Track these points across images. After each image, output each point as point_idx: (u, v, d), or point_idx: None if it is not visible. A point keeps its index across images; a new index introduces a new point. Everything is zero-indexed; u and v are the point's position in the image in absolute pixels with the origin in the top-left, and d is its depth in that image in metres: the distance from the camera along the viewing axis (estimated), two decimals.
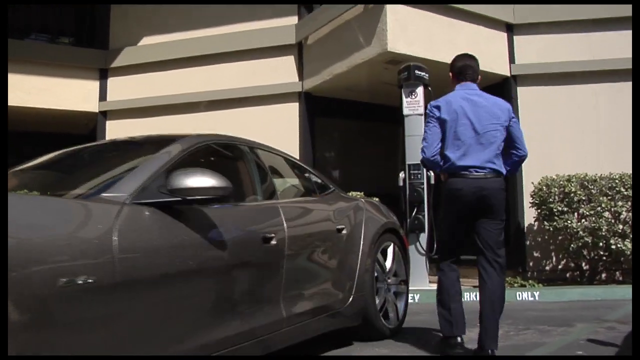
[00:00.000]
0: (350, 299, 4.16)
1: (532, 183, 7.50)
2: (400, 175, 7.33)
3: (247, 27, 9.23)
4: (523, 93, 8.26)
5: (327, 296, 3.97)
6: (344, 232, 4.26)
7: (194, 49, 9.42)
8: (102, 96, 9.97)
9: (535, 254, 7.97)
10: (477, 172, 3.86)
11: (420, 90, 7.20)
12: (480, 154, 3.87)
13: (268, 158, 4.20)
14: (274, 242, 3.35)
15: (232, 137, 3.85)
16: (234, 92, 9.15)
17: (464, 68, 4.27)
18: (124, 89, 9.89)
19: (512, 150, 4.07)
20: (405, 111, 7.23)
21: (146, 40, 9.92)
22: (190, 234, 2.71)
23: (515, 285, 7.11)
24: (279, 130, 8.90)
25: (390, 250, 4.80)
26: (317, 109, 9.02)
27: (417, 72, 7.16)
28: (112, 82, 10.03)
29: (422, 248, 7.03)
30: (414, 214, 7.09)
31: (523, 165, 7.89)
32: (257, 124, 8.93)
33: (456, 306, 3.91)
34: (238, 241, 3.11)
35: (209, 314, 2.83)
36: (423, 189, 7.10)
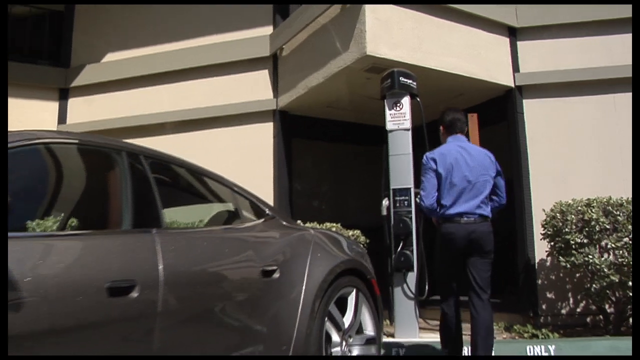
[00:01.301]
0: None
1: (544, 210, 6.10)
2: (384, 202, 5.99)
3: (217, 40, 8.04)
4: (530, 106, 6.93)
5: None
6: (276, 275, 2.95)
7: (160, 65, 8.23)
8: (62, 118, 8.76)
9: (549, 295, 6.53)
10: (467, 217, 4.20)
11: (406, 100, 5.89)
12: (471, 201, 4.22)
13: (165, 171, 2.90)
14: (135, 293, 2.05)
15: (91, 138, 2.56)
16: (203, 112, 7.91)
17: (454, 121, 4.56)
18: (86, 110, 8.67)
19: (494, 197, 4.48)
20: (389, 126, 5.91)
21: (110, 57, 8.75)
22: None
23: (526, 335, 5.69)
24: (251, 153, 7.67)
25: (351, 299, 3.47)
26: (294, 129, 7.74)
27: (402, 79, 5.86)
28: (72, 102, 8.83)
29: (411, 290, 5.64)
30: (399, 249, 5.71)
31: (532, 189, 6.69)
32: (228, 147, 7.72)
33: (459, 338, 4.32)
34: (62, 292, 1.82)
35: None
36: (411, 218, 5.72)
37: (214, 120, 7.85)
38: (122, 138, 8.00)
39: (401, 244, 5.70)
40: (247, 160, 7.64)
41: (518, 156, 6.81)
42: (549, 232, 6.00)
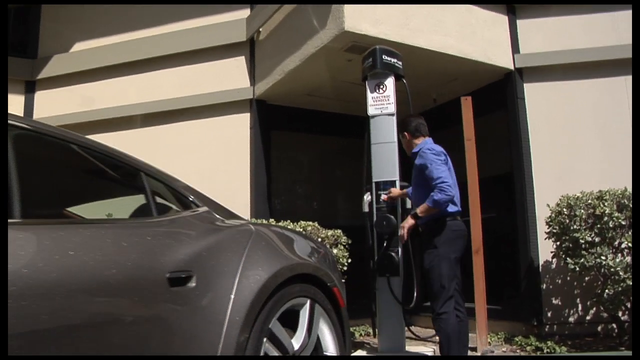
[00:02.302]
0: None
1: (548, 206, 5.28)
2: (365, 197, 5.18)
3: (190, 25, 7.25)
4: (531, 91, 6.11)
5: None
6: (191, 283, 2.15)
7: (129, 54, 7.45)
8: (28, 112, 7.95)
9: (555, 302, 5.69)
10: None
11: (390, 82, 5.09)
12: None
13: (39, 147, 2.12)
14: None
15: None
16: (175, 103, 7.11)
17: (419, 126, 4.43)
18: (53, 103, 7.89)
19: None
20: (371, 110, 5.11)
21: (79, 46, 7.97)
22: None
23: (528, 348, 4.88)
24: (226, 146, 6.89)
25: (304, 313, 2.67)
26: (272, 120, 6.94)
27: (385, 57, 5.06)
28: (39, 96, 8.05)
29: (396, 297, 4.83)
30: (382, 250, 4.90)
31: (534, 183, 5.87)
32: (201, 140, 6.95)
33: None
34: None
35: None
36: (397, 215, 4.92)
37: (186, 111, 7.06)
38: (90, 133, 7.36)
39: (385, 244, 4.90)
40: (221, 154, 6.87)
41: (518, 146, 5.99)
42: (555, 231, 5.19)
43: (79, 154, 2.27)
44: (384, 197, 4.91)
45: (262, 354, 2.33)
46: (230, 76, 7.02)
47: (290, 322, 2.65)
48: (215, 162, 6.85)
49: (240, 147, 6.82)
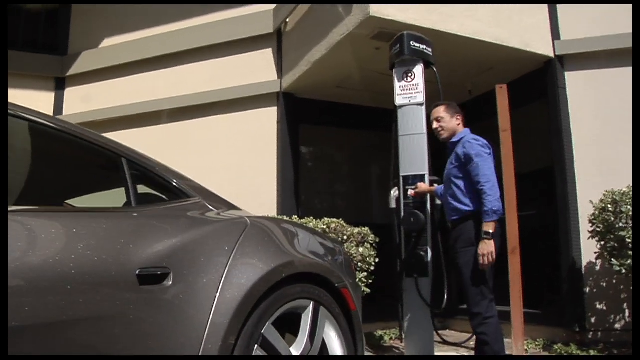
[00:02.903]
0: None
1: (592, 202, 4.84)
2: (392, 192, 4.85)
3: (217, 18, 7.02)
4: (573, 80, 5.65)
5: None
6: (167, 282, 1.87)
7: (156, 48, 7.29)
8: (58, 109, 7.87)
9: (600, 306, 5.23)
10: None
11: (419, 69, 4.73)
12: None
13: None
14: None
15: None
16: (202, 97, 6.90)
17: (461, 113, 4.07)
18: (83, 100, 7.78)
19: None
20: (399, 99, 4.76)
21: (107, 42, 7.84)
22: None
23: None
24: (254, 141, 6.63)
25: (306, 317, 2.35)
26: (300, 113, 6.64)
27: (413, 43, 4.71)
28: (69, 92, 7.95)
29: (425, 300, 4.47)
30: (410, 248, 4.54)
31: (577, 178, 5.42)
32: (228, 134, 6.73)
33: None
34: None
35: None
36: (426, 211, 4.55)
37: (213, 106, 6.84)
38: (118, 129, 7.19)
39: (413, 242, 4.54)
40: (248, 149, 6.61)
41: (559, 138, 5.54)
42: (599, 229, 4.74)
43: (44, 135, 2.00)
44: (411, 192, 4.56)
45: None
46: (258, 69, 6.76)
47: (294, 327, 2.35)
48: (242, 157, 6.60)
49: (267, 141, 6.55)
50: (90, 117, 7.42)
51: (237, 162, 6.58)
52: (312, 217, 5.07)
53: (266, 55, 6.78)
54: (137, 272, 1.81)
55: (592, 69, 5.61)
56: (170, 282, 1.89)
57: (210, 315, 1.94)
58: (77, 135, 2.12)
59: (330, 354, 2.48)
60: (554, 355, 4.05)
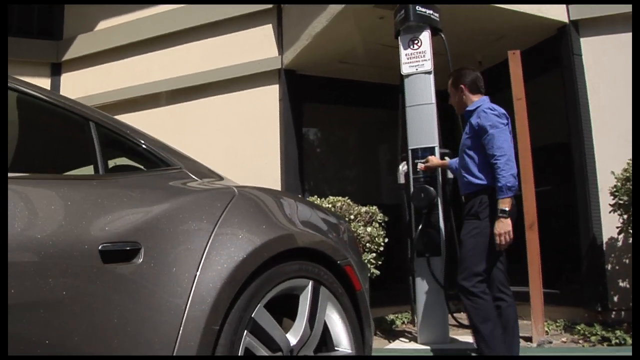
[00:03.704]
0: None
1: (613, 173, 4.51)
2: (400, 167, 4.55)
3: None
4: (589, 46, 5.29)
5: None
6: (137, 259, 1.58)
7: (153, 28, 6.97)
8: None
9: (622, 284, 4.90)
10: None
11: (425, 36, 4.42)
12: None
13: None
14: None
15: None
16: (201, 77, 6.58)
17: (477, 80, 3.70)
18: (79, 85, 7.50)
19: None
20: (405, 68, 4.45)
21: (102, 25, 7.53)
22: None
23: (593, 338, 4.15)
24: (256, 120, 6.33)
25: (304, 298, 2.07)
26: (303, 91, 6.33)
27: (419, 8, 4.40)
28: (66, 78, 7.67)
29: (438, 280, 4.17)
30: (420, 227, 4.24)
31: (595, 150, 5.10)
32: (229, 114, 6.43)
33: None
34: None
35: None
36: (437, 186, 4.25)
37: (212, 85, 6.53)
38: (117, 113, 6.91)
39: (423, 220, 4.24)
40: (250, 129, 6.31)
41: (576, 109, 5.20)
42: (621, 202, 4.41)
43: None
44: (420, 166, 4.25)
45: (241, 352, 1.74)
46: (258, 46, 6.45)
47: (291, 310, 2.07)
48: (244, 138, 6.30)
49: (269, 121, 6.25)
50: (88, 102, 7.05)
51: (239, 142, 6.29)
52: (316, 196, 4.77)
53: (266, 32, 6.46)
54: (100, 247, 1.52)
55: (608, 34, 5.26)
56: (141, 260, 1.60)
57: (190, 297, 1.65)
58: (35, 96, 1.84)
59: (334, 339, 2.19)
60: (554, 355, 3.75)
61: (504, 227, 3.24)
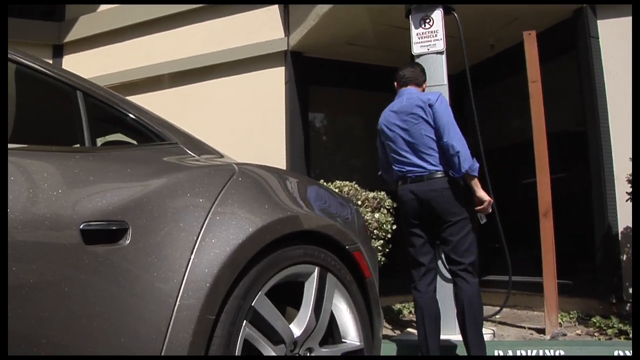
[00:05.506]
0: None
1: (631, 159, 4.31)
2: None
3: None
4: (607, 28, 5.08)
5: None
6: (124, 241, 1.40)
7: (157, 9, 6.76)
8: None
9: None
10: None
11: (437, 14, 4.20)
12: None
13: None
14: None
15: None
16: (205, 59, 6.39)
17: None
18: (81, 67, 7.31)
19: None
20: (416, 48, 4.24)
21: (105, 5, 7.33)
22: None
23: (610, 331, 3.96)
24: (261, 104, 6.15)
25: (309, 285, 1.89)
26: (311, 74, 6.13)
27: None
28: (67, 60, 7.48)
29: (447, 268, 3.99)
30: None
31: (611, 136, 4.89)
32: (234, 98, 6.24)
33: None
34: None
35: None
36: None
37: (216, 68, 6.33)
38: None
39: None
40: (255, 113, 6.13)
41: (592, 94, 4.99)
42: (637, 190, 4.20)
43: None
44: None
45: (239, 344, 1.57)
46: (263, 27, 6.24)
47: (295, 298, 1.90)
48: (249, 121, 6.12)
49: (275, 104, 6.06)
50: None
51: (244, 126, 6.11)
52: (322, 181, 4.58)
53: (272, 13, 6.25)
54: (81, 226, 1.34)
55: (627, 16, 5.03)
56: (128, 241, 1.42)
57: (183, 283, 1.47)
58: (16, 61, 1.66)
59: (341, 330, 2.02)
60: (553, 356, 3.56)
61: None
